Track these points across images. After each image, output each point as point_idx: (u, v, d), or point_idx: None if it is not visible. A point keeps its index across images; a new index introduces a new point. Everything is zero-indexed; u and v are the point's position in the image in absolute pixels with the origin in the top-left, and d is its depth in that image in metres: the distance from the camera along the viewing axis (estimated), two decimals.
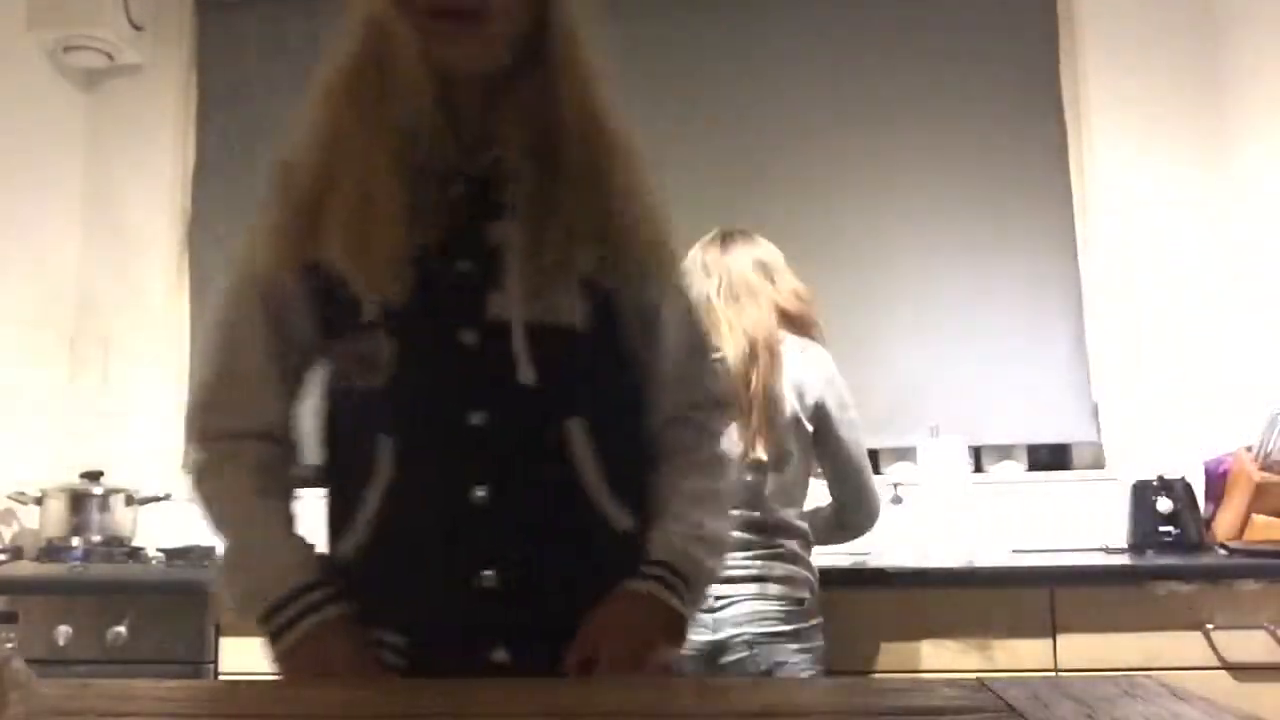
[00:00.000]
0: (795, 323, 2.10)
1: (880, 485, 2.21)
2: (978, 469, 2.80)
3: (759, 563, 1.95)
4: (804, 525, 2.04)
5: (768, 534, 1.98)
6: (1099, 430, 2.82)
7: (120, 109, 3.21)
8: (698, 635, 1.91)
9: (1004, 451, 2.85)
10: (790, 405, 2.02)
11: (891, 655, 2.14)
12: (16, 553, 2.77)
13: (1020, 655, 2.11)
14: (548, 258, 1.08)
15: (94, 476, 2.79)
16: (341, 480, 1.15)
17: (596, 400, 1.13)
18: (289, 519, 1.16)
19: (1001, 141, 2.93)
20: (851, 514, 2.13)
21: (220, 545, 1.15)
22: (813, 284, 2.18)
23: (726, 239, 2.15)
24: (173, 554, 2.56)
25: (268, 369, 1.15)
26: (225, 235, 3.00)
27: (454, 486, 1.08)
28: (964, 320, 2.87)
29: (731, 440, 1.26)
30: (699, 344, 1.23)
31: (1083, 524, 2.67)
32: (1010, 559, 2.35)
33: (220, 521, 1.15)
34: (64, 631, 2.23)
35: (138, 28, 3.08)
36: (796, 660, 1.91)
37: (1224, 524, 2.45)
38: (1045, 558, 2.38)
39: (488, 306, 1.09)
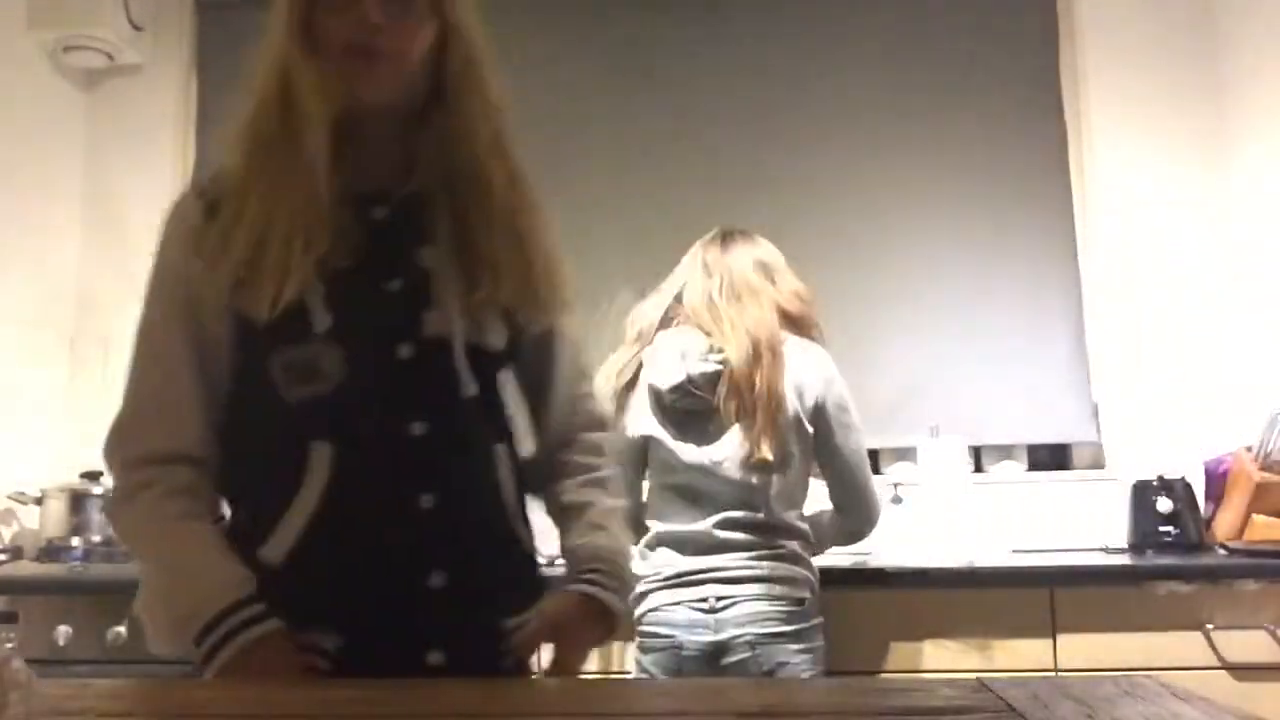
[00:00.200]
0: (796, 323, 2.10)
1: (880, 485, 2.20)
2: (978, 469, 2.80)
3: (761, 563, 1.95)
4: (805, 526, 2.04)
5: (769, 535, 1.98)
6: (1099, 430, 2.82)
7: (120, 109, 3.21)
8: (700, 636, 1.92)
9: (1004, 451, 2.85)
10: (792, 406, 2.02)
11: (891, 655, 2.15)
12: (16, 553, 2.77)
13: (1020, 655, 2.11)
14: (479, 283, 1.17)
15: (94, 476, 2.78)
16: (259, 488, 1.15)
17: (512, 422, 1.24)
18: (218, 539, 1.15)
19: (1001, 141, 2.93)
20: (851, 518, 2.11)
21: (145, 573, 1.13)
22: (813, 284, 2.18)
23: (727, 239, 2.15)
24: None
25: (191, 389, 1.16)
26: None
27: (399, 493, 1.13)
28: (964, 320, 2.87)
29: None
30: (585, 371, 1.38)
31: (1083, 524, 2.67)
32: (1010, 559, 2.35)
33: (145, 549, 1.15)
34: (64, 631, 2.23)
35: (138, 28, 3.08)
36: (797, 660, 1.91)
37: (1224, 524, 2.45)
38: (1045, 558, 2.38)
39: (424, 324, 1.16)
